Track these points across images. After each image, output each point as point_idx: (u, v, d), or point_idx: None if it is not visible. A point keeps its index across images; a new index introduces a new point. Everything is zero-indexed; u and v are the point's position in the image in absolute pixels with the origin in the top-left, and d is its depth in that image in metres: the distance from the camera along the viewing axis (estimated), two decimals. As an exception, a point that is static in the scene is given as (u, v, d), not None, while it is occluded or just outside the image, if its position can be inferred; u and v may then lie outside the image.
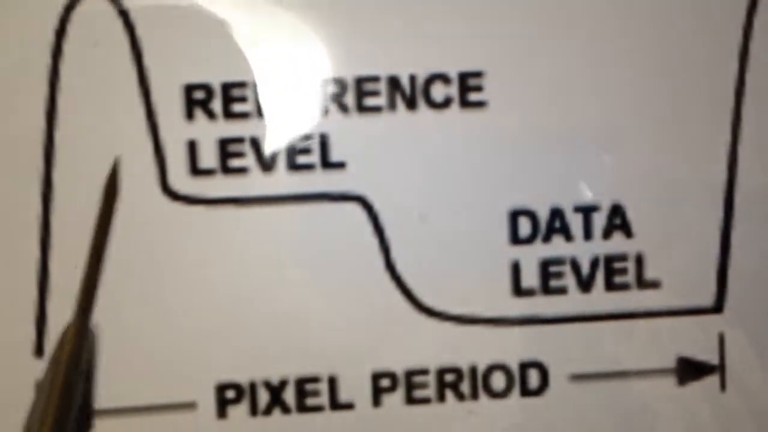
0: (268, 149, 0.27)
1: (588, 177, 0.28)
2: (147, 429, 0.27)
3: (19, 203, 0.26)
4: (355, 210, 0.27)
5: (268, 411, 0.27)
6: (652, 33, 0.28)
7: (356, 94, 0.27)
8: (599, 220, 0.28)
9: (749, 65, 0.28)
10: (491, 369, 0.28)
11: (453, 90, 0.27)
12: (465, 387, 0.28)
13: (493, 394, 0.28)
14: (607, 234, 0.28)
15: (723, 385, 0.28)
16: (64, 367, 0.23)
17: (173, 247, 0.27)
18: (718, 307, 0.28)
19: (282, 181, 0.27)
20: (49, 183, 0.26)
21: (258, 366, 0.27)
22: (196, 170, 0.27)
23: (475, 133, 0.27)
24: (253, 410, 0.27)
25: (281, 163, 0.27)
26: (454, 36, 0.27)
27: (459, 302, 0.27)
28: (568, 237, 0.28)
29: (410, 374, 0.27)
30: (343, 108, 0.27)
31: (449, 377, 0.28)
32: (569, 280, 0.28)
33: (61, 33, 0.26)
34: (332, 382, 0.27)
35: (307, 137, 0.27)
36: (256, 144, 0.27)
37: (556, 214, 0.28)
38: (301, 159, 0.27)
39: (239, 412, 0.27)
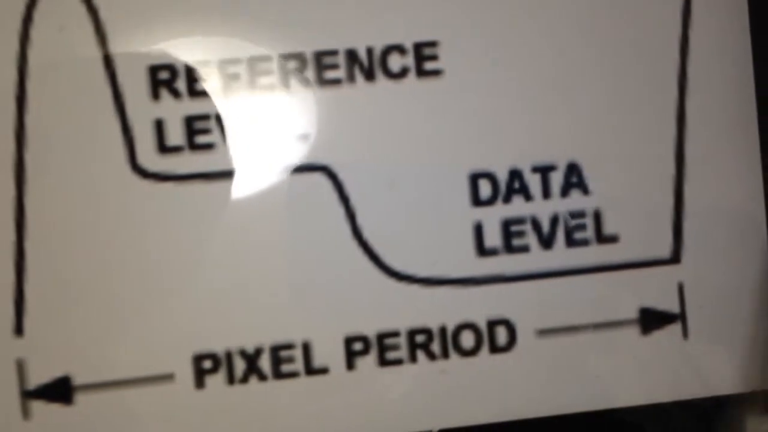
0: (231, 126, 0.28)
1: (544, 137, 0.29)
2: (126, 402, 0.27)
3: (-7, 186, 0.27)
4: (320, 180, 0.28)
5: (245, 379, 0.28)
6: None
7: (316, 68, 0.28)
8: (557, 179, 0.29)
9: (692, 20, 0.29)
10: (460, 328, 0.29)
11: (409, 60, 0.28)
12: (436, 347, 0.28)
13: (464, 353, 0.29)
14: (564, 192, 0.29)
15: (685, 333, 0.29)
16: None
17: (145, 223, 0.27)
18: (675, 258, 0.29)
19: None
20: (21, 165, 0.27)
21: (233, 335, 0.28)
22: (164, 148, 0.28)
23: (433, 101, 0.28)
24: (230, 379, 0.28)
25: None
26: (408, 8, 0.28)
27: (425, 265, 0.28)
28: (528, 197, 0.29)
29: (382, 337, 0.28)
30: (305, 82, 0.28)
31: (420, 338, 0.28)
32: (531, 239, 0.29)
33: (27, 20, 0.27)
34: (306, 348, 0.28)
35: (270, 112, 0.28)
36: (221, 120, 0.28)
37: (515, 175, 0.29)
38: (266, 132, 0.28)
39: (217, 381, 0.28)
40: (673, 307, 0.29)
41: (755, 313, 0.29)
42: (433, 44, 0.28)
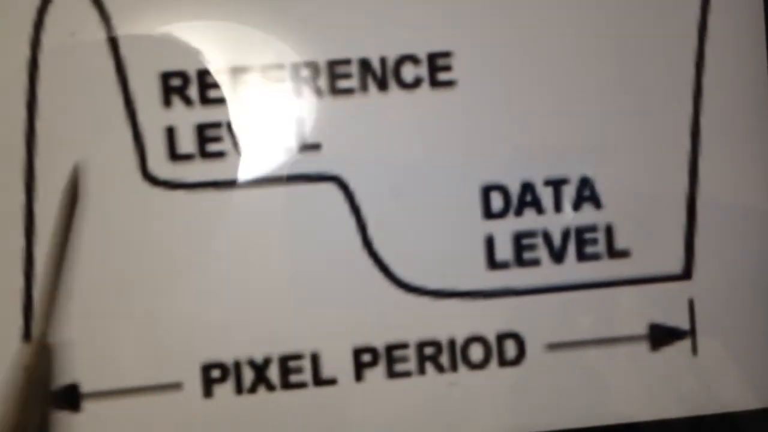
0: (243, 135, 0.27)
1: (556, 151, 0.28)
2: (134, 410, 0.27)
3: (3, 193, 0.27)
4: (331, 190, 0.28)
5: (253, 389, 0.28)
6: (615, 8, 0.29)
7: (329, 77, 0.28)
8: (569, 193, 0.29)
9: (708, 36, 0.29)
10: (469, 341, 0.28)
11: (422, 70, 0.28)
12: (444, 359, 0.28)
13: (472, 366, 0.28)
14: (576, 206, 0.29)
15: (695, 349, 0.29)
16: (25, 382, 0.23)
17: (155, 231, 0.27)
18: (686, 274, 0.29)
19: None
20: (31, 172, 0.27)
21: (242, 345, 0.28)
22: (175, 156, 0.27)
23: (446, 112, 0.28)
24: (239, 389, 0.28)
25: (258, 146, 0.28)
26: (422, 18, 0.28)
27: (436, 277, 0.28)
28: (540, 210, 0.29)
29: (391, 349, 0.28)
30: (317, 91, 0.28)
31: (429, 350, 0.28)
32: (542, 252, 0.29)
33: (39, 25, 0.27)
34: (315, 359, 0.28)
35: (282, 120, 0.28)
36: (232, 128, 0.27)
37: (527, 188, 0.28)
38: (277, 141, 0.28)
39: (225, 390, 0.28)
40: (683, 323, 0.29)
41: (767, 330, 0.29)
42: (446, 55, 0.28)
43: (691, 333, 0.29)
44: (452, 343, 0.28)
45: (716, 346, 0.29)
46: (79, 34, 0.27)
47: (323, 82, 0.28)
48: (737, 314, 0.29)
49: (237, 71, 0.27)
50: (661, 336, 0.29)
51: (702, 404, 0.29)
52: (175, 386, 0.27)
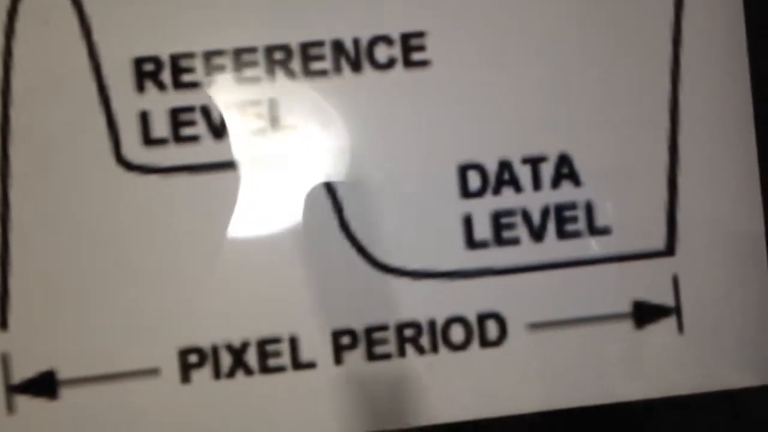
0: (218, 118, 0.27)
1: (534, 128, 0.28)
2: (112, 396, 0.27)
3: (-22, 180, 0.27)
4: (307, 172, 0.28)
5: (231, 374, 0.27)
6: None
7: (302, 60, 0.28)
8: (547, 171, 0.28)
9: (684, 10, 0.28)
10: (450, 322, 0.28)
11: (396, 51, 0.28)
12: (425, 341, 0.28)
13: (453, 347, 0.28)
14: (555, 184, 0.28)
15: (680, 327, 0.28)
16: None
17: (130, 216, 0.27)
18: (670, 250, 0.28)
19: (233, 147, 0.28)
20: (6, 159, 0.27)
21: (219, 329, 0.27)
22: (149, 140, 0.27)
23: (421, 92, 0.28)
24: (217, 373, 0.27)
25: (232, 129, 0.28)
26: (394, -2, 0.28)
27: (414, 258, 0.28)
28: (518, 188, 0.28)
29: (370, 331, 0.28)
30: (290, 73, 0.28)
31: (408, 332, 0.28)
32: (521, 231, 0.28)
33: (13, 14, 0.27)
34: (293, 342, 0.28)
35: (256, 103, 0.28)
36: (206, 112, 0.27)
37: (505, 166, 0.28)
38: (251, 124, 0.28)
39: (203, 376, 0.27)
40: (668, 300, 0.28)
41: (753, 306, 0.29)
42: (420, 35, 0.28)
43: (676, 310, 0.28)
44: (432, 325, 0.28)
45: (702, 323, 0.28)
46: (53, 21, 0.27)
47: (296, 64, 0.28)
48: (724, 290, 0.28)
49: (210, 55, 0.27)
50: (645, 314, 0.28)
51: (689, 383, 0.28)
52: (153, 372, 0.27)
